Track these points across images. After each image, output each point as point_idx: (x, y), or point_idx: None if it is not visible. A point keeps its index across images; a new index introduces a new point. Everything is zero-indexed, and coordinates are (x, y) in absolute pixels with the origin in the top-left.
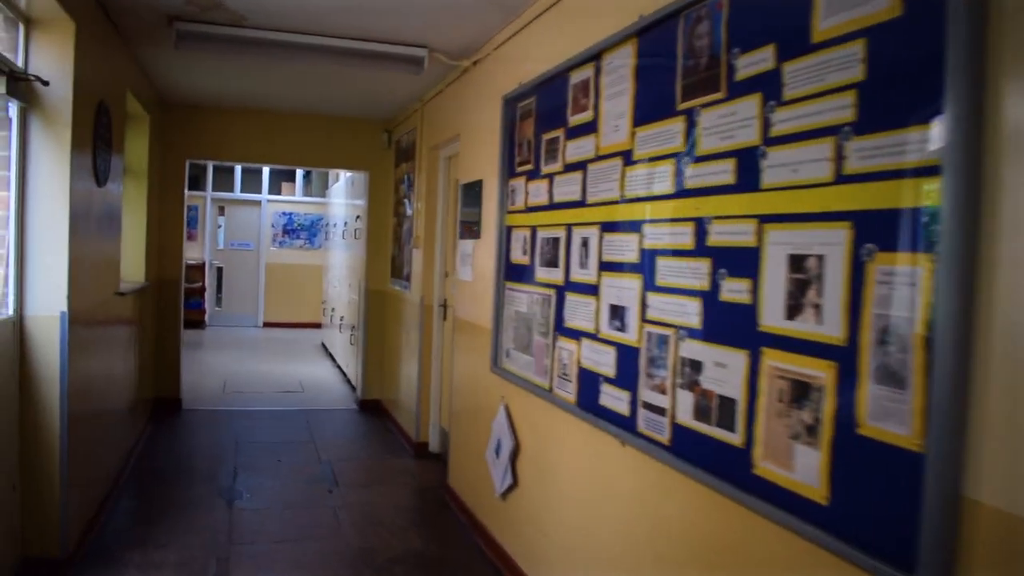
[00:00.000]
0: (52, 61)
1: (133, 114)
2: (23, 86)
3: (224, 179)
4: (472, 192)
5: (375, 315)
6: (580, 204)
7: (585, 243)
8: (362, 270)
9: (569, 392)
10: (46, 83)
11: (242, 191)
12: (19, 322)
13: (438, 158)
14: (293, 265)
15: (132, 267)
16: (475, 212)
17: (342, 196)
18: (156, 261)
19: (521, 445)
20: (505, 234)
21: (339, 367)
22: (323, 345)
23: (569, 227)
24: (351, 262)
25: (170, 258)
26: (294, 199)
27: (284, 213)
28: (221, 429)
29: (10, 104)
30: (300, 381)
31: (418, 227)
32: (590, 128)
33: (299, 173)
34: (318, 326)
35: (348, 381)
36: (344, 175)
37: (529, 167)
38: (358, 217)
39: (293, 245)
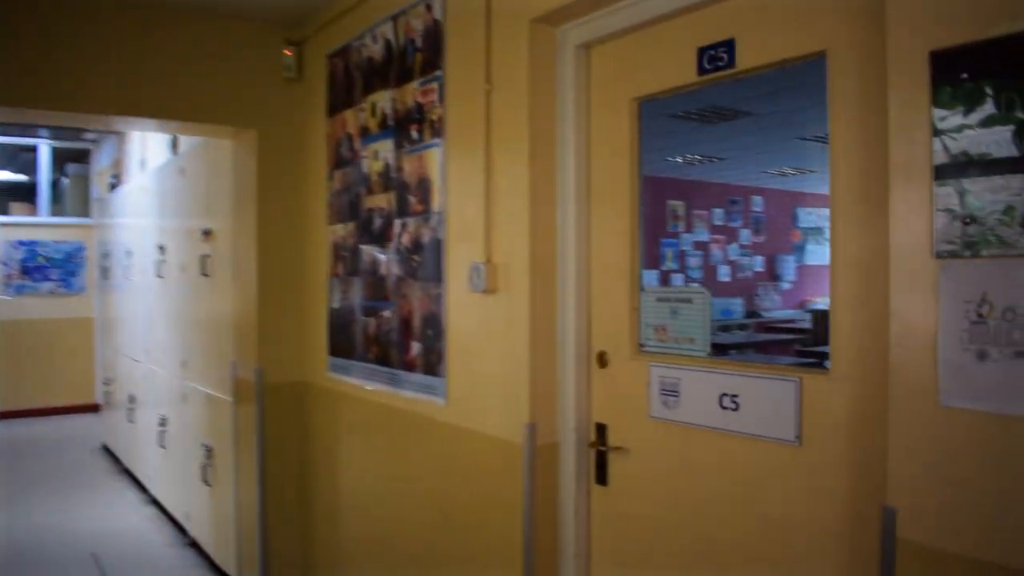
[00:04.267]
0: None
1: None
2: None
3: None
4: None
5: (280, 442)
6: None
7: None
8: (236, 341)
9: None
10: None
11: None
12: None
13: (555, 47)
14: (42, 320)
15: None
16: None
17: (148, 207)
18: None
19: None
20: None
21: (159, 505)
22: (106, 449)
23: None
24: (187, 316)
25: None
26: (40, 221)
27: (22, 243)
28: None
29: None
30: (96, 557)
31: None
32: None
33: (43, 185)
34: (93, 409)
35: (193, 543)
36: (140, 167)
37: None
38: (206, 233)
39: (39, 291)
